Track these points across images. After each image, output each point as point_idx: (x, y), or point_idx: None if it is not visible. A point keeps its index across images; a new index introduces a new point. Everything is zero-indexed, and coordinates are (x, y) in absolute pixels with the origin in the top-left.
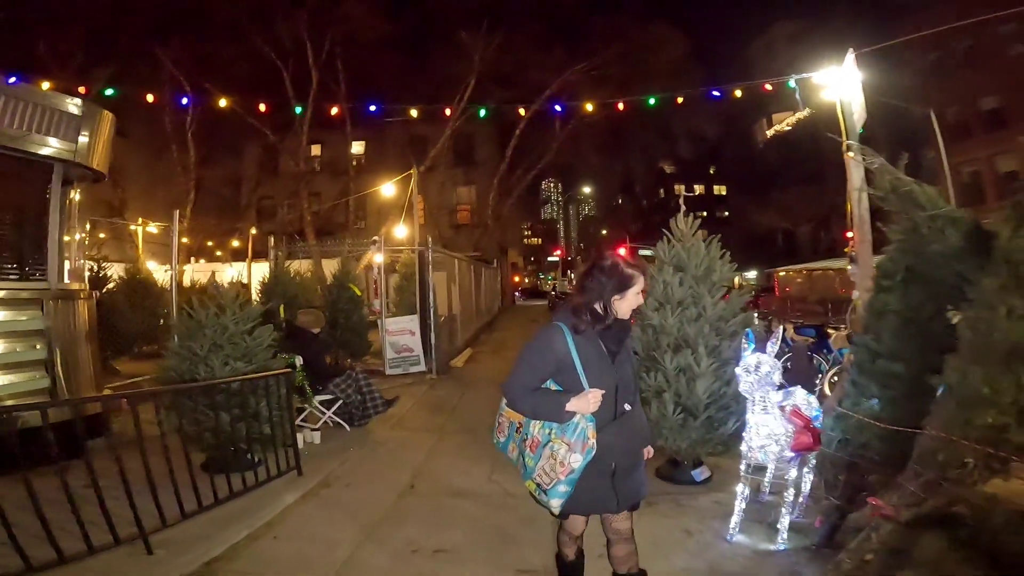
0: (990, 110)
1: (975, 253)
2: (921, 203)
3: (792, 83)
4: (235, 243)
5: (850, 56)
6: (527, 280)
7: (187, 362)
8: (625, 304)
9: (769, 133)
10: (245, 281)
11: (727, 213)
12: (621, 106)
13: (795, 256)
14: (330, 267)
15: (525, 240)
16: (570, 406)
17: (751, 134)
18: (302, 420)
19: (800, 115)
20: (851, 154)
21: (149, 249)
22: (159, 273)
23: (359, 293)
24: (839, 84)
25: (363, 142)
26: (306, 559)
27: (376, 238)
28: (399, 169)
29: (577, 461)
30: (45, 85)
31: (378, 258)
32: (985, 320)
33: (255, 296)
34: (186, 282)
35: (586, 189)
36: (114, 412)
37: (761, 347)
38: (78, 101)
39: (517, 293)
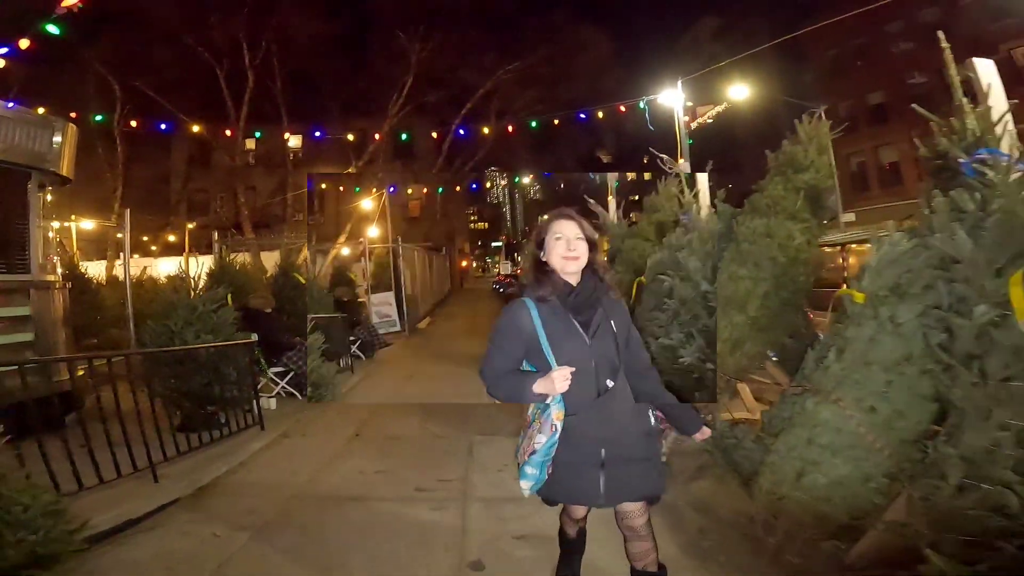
0: (876, 104)
1: (732, 236)
2: None
3: (642, 104)
4: (171, 238)
5: (679, 83)
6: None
7: (163, 337)
8: (551, 254)
9: (694, 125)
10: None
11: None
12: (510, 128)
13: None
14: (269, 260)
15: (472, 226)
16: (536, 388)
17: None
18: (258, 390)
19: (719, 108)
20: (680, 163)
21: (79, 246)
22: (92, 269)
23: (303, 281)
24: (674, 104)
25: (300, 136)
26: (276, 483)
27: (362, 240)
28: (337, 161)
29: (540, 443)
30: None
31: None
32: (722, 281)
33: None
34: (120, 277)
35: (527, 178)
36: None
37: None
38: (52, 117)
39: (496, 285)
